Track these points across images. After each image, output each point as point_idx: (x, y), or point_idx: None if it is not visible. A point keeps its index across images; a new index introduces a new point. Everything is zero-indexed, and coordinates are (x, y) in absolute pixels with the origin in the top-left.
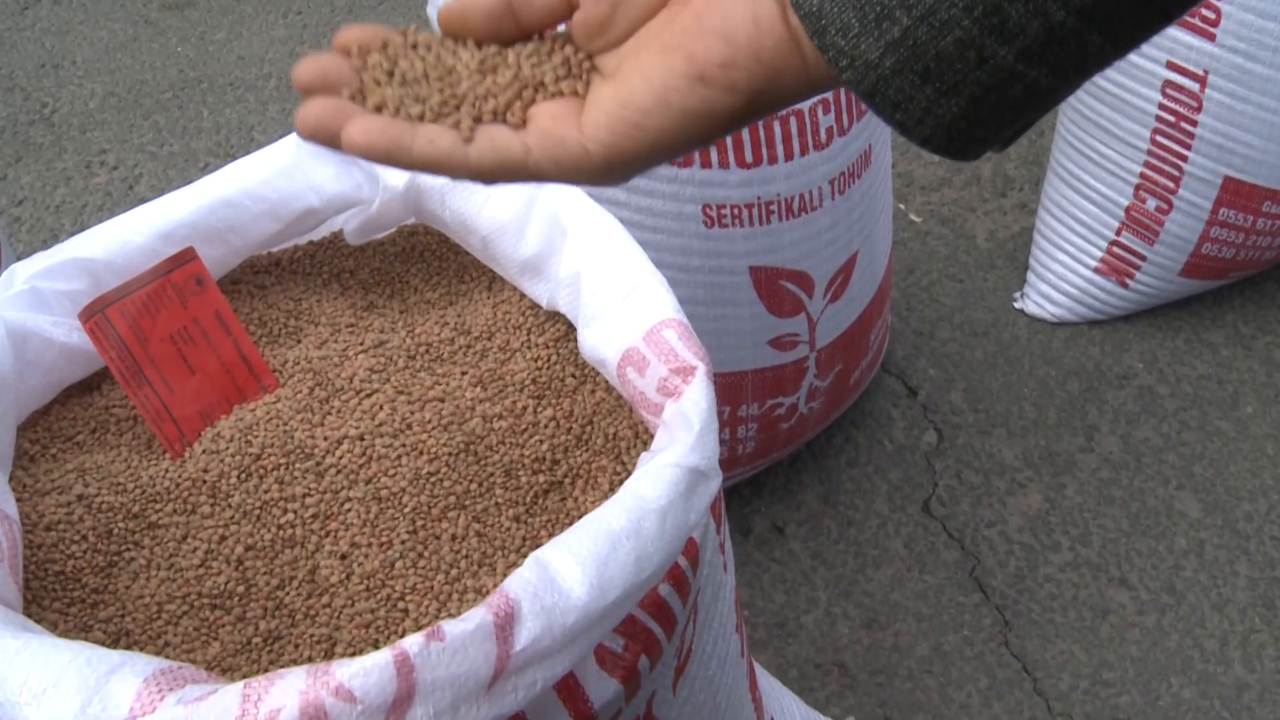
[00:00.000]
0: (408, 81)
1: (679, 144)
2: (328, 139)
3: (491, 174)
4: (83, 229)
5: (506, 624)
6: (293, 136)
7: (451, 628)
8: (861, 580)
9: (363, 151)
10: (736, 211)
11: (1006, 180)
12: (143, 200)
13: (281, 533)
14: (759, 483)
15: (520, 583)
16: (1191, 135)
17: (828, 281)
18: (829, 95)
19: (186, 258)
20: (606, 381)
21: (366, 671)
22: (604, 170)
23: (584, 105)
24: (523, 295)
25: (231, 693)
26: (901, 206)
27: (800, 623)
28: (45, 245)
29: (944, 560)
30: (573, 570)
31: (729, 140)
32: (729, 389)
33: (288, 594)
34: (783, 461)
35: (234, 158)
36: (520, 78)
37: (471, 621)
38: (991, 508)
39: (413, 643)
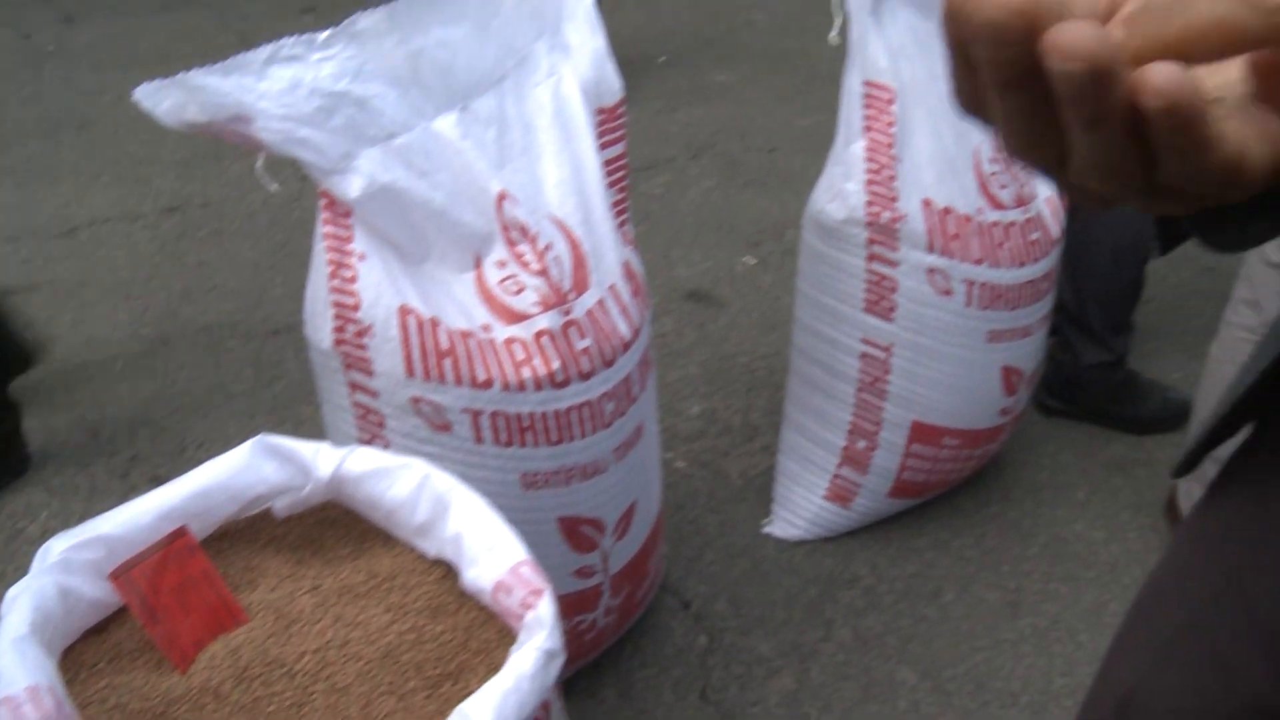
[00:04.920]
0: None
1: None
2: (1106, 69)
3: (1261, 169)
4: None
5: None
6: (249, 443)
7: None
8: None
9: (1183, 95)
10: (546, 477)
11: (753, 428)
12: None
13: (270, 717)
14: (568, 686)
15: None
16: (885, 391)
17: (615, 524)
18: (613, 390)
19: (182, 533)
20: (477, 604)
21: None
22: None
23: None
24: (412, 548)
25: None
26: (669, 455)
27: None
28: None
29: None
30: (485, 714)
31: (540, 425)
32: None
33: None
34: (586, 667)
35: (94, 433)
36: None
37: None
38: (754, 690)
39: None
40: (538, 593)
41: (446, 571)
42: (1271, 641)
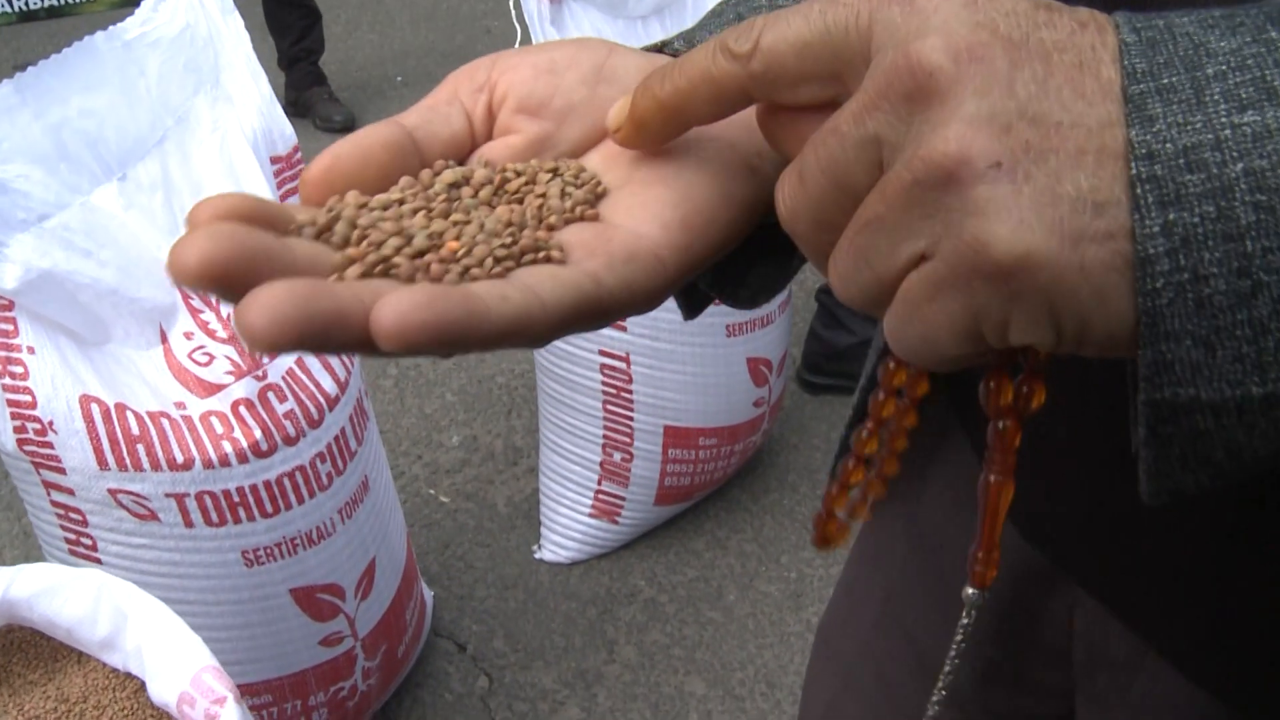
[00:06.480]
0: (385, 244)
1: (741, 236)
2: (319, 335)
3: (569, 320)
4: None
5: None
6: None
7: None
8: None
9: (420, 333)
10: (270, 551)
11: (516, 451)
12: None
13: None
14: None
15: None
16: (632, 400)
17: (356, 585)
18: (325, 450)
19: None
20: (170, 717)
21: None
22: (676, 279)
23: (613, 224)
24: (104, 664)
25: None
26: (432, 491)
27: None
28: None
29: None
30: None
31: (251, 498)
32: (296, 687)
33: None
34: None
35: None
36: (536, 212)
37: None
38: None
39: None
40: (220, 701)
41: (141, 684)
42: (920, 662)
